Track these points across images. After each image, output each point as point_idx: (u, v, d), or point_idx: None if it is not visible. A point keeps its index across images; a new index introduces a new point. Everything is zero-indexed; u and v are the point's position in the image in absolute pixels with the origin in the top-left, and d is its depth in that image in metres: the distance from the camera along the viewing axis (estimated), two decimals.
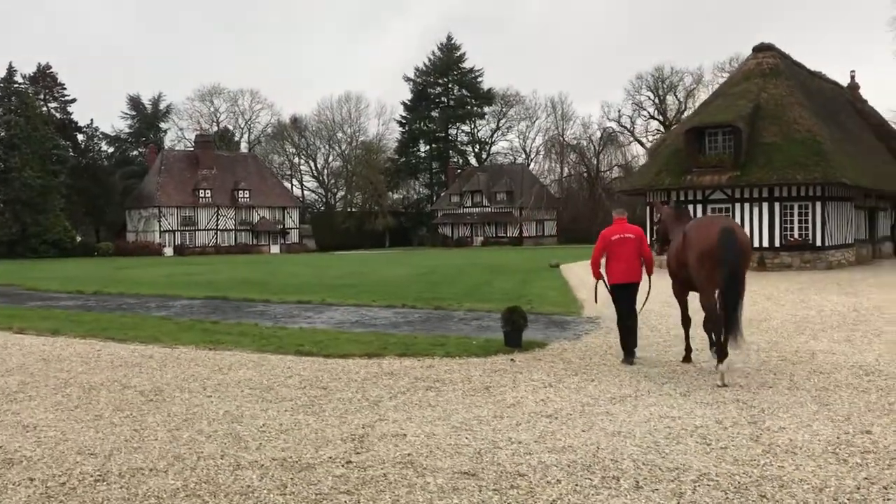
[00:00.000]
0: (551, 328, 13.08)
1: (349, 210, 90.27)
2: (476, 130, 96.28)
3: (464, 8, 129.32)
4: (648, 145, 76.62)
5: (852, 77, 40.08)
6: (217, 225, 73.90)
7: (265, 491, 5.30)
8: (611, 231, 9.90)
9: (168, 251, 68.65)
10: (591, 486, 5.26)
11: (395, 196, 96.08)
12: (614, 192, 66.00)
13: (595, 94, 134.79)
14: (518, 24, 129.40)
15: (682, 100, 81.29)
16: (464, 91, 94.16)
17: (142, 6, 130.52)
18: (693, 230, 9.07)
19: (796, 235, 26.81)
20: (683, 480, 5.33)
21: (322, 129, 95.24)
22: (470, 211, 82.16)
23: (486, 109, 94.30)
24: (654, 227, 16.10)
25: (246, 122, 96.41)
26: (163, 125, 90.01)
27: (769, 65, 30.10)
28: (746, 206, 27.26)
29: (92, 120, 75.83)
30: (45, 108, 68.28)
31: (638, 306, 9.99)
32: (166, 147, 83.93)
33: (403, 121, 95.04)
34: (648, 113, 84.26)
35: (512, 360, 10.06)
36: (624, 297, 9.86)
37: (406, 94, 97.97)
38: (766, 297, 17.15)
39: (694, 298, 9.41)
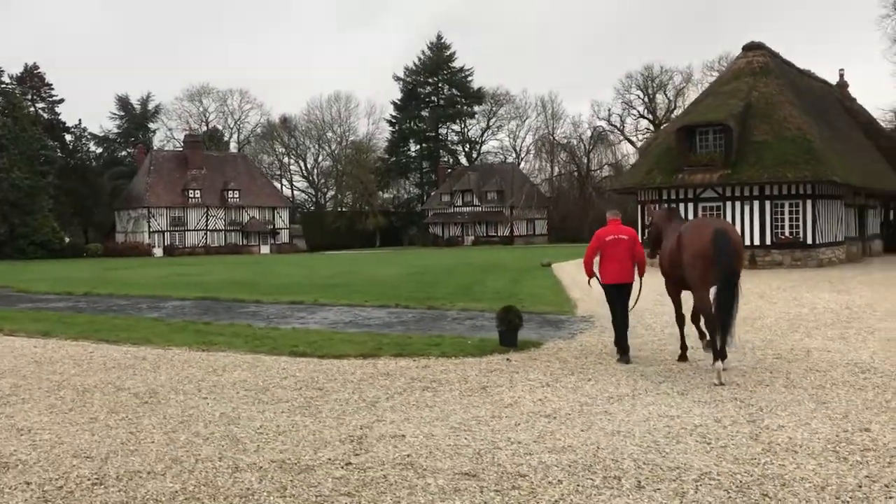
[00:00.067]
0: (545, 327, 13.07)
1: (339, 210, 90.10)
2: (466, 130, 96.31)
3: (454, 7, 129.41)
4: (638, 144, 76.95)
5: (841, 75, 40.32)
6: (207, 225, 73.55)
7: (265, 493, 5.25)
8: (605, 231, 9.97)
9: (157, 252, 68.29)
10: (593, 487, 5.24)
11: (386, 196, 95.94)
12: (605, 191, 66.15)
13: (585, 94, 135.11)
14: (508, 24, 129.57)
15: (671, 98, 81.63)
16: (454, 90, 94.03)
17: (130, 6, 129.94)
18: (687, 231, 9.19)
19: (787, 233, 26.93)
20: (685, 480, 5.32)
21: (312, 129, 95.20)
22: (460, 210, 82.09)
23: (476, 109, 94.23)
24: (647, 230, 16.12)
25: (235, 122, 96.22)
26: (152, 125, 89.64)
27: (759, 63, 30.23)
28: (737, 204, 27.35)
29: (80, 120, 75.69)
30: (32, 109, 67.80)
31: (630, 303, 10.05)
32: (155, 147, 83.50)
33: (393, 120, 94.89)
34: (638, 112, 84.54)
35: (508, 359, 10.04)
36: (617, 297, 9.93)
37: (396, 94, 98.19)
38: (758, 296, 17.20)
39: (687, 297, 9.47)
